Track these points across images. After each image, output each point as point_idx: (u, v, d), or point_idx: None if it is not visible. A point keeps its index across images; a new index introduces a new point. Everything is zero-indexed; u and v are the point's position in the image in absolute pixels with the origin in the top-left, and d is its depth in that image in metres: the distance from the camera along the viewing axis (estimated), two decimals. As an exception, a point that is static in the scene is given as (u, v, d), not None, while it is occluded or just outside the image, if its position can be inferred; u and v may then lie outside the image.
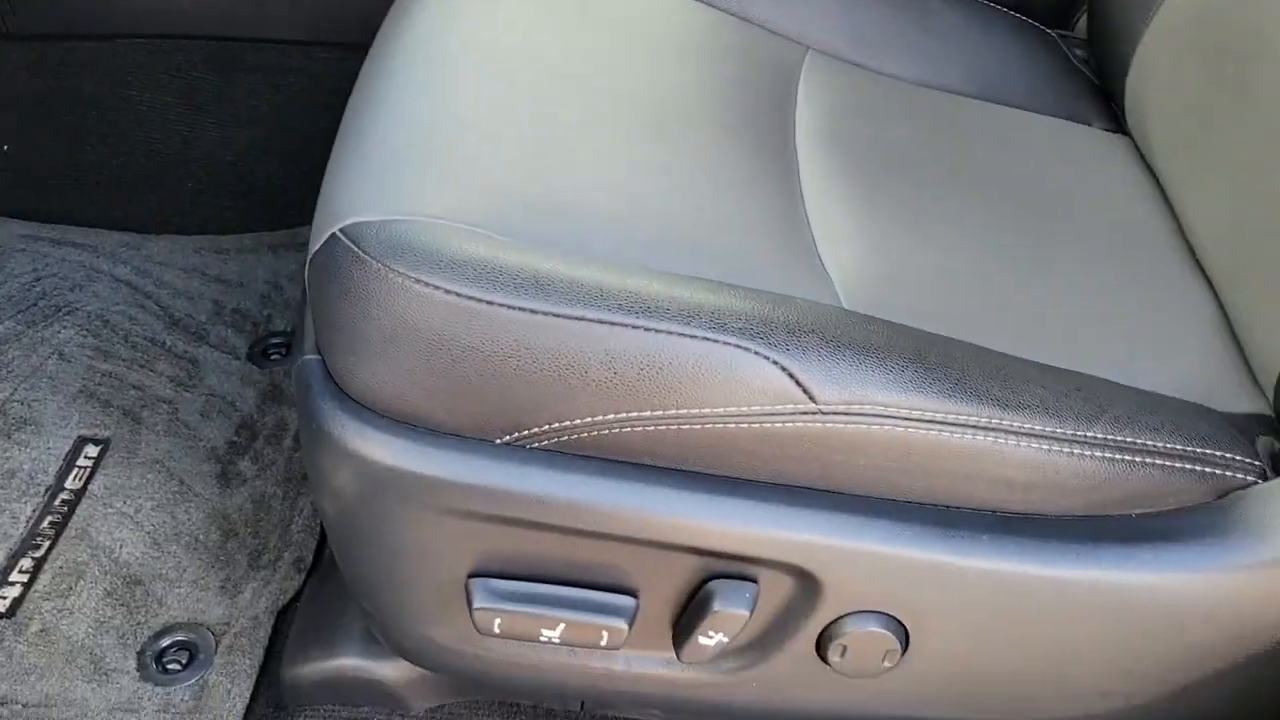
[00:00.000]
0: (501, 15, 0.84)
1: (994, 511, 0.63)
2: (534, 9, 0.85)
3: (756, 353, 0.58)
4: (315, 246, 0.63)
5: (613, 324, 0.58)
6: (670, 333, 0.58)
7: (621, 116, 0.77)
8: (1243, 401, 0.71)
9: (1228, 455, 0.64)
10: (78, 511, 0.93)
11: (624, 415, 0.59)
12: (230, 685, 0.82)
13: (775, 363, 0.58)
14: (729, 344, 0.58)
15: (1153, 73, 0.93)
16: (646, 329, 0.58)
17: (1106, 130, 1.00)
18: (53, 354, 1.06)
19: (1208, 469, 0.64)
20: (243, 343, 1.10)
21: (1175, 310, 0.78)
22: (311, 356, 0.65)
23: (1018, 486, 0.62)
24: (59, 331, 1.08)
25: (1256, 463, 0.65)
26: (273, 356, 1.10)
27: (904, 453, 0.60)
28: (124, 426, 1.00)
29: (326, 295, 0.61)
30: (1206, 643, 0.64)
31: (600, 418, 0.59)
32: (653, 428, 0.59)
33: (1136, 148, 0.98)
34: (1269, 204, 0.74)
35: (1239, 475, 0.64)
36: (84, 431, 0.99)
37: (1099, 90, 1.03)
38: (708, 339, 0.58)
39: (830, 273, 0.71)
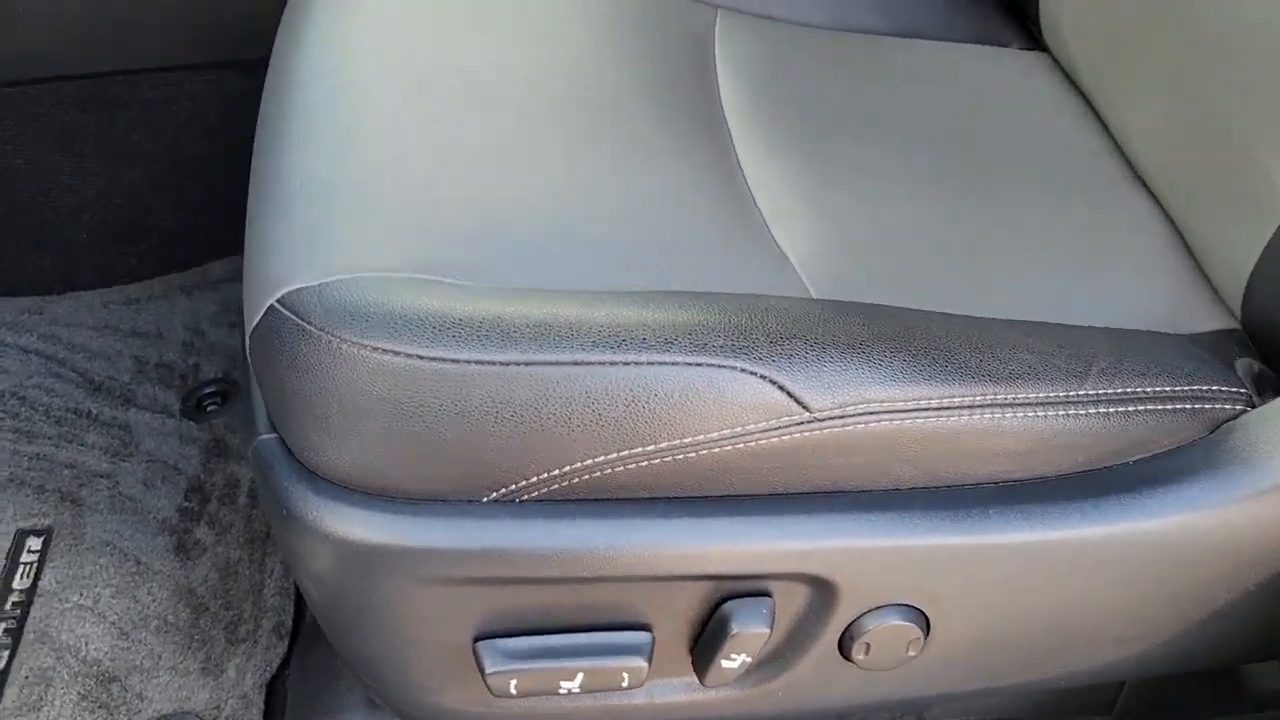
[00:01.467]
0: (398, 23, 0.79)
1: (995, 484, 0.62)
2: (429, 11, 0.81)
3: (743, 369, 0.55)
4: (253, 320, 0.58)
5: (590, 363, 0.55)
6: (651, 363, 0.55)
7: (547, 119, 0.73)
8: (1210, 318, 0.71)
9: (1215, 388, 0.64)
10: (32, 612, 0.87)
11: (614, 455, 0.56)
12: (232, 771, 0.78)
13: (763, 377, 0.56)
14: (713, 365, 0.55)
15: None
16: (626, 363, 0.55)
17: (1025, 49, 0.99)
18: (-30, 445, 0.99)
19: (1198, 405, 0.63)
20: (174, 398, 1.04)
21: (1126, 232, 0.78)
22: (268, 436, 0.61)
23: (1017, 456, 0.61)
24: (-28, 419, 1.01)
25: (1242, 390, 0.65)
26: (208, 408, 1.04)
27: (902, 444, 0.59)
28: (64, 511, 0.94)
29: (275, 373, 0.57)
30: (1214, 577, 0.64)
31: (590, 461, 0.56)
32: (646, 463, 0.57)
33: (1056, 62, 0.97)
34: (1211, 115, 0.74)
35: (1228, 406, 0.64)
36: (22, 524, 0.93)
37: (1011, 8, 1.01)
38: (691, 363, 0.55)
39: (786, 252, 0.69)
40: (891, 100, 0.88)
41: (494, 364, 0.54)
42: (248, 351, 0.60)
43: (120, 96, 1.13)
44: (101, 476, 0.97)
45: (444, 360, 0.54)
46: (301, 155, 0.66)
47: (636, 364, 0.55)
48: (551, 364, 0.54)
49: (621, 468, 0.57)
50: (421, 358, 0.54)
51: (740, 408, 0.56)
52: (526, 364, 0.54)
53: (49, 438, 1.00)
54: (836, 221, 0.72)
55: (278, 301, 0.57)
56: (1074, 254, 0.74)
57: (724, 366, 0.55)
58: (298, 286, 0.58)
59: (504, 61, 0.77)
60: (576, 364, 0.55)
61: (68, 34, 1.08)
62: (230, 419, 1.02)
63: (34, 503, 0.95)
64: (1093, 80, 0.90)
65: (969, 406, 0.59)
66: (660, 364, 0.55)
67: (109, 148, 1.15)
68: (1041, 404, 0.60)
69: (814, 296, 0.65)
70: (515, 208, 0.64)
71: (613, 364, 0.55)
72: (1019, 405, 0.60)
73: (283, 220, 0.62)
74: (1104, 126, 0.88)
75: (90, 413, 1.02)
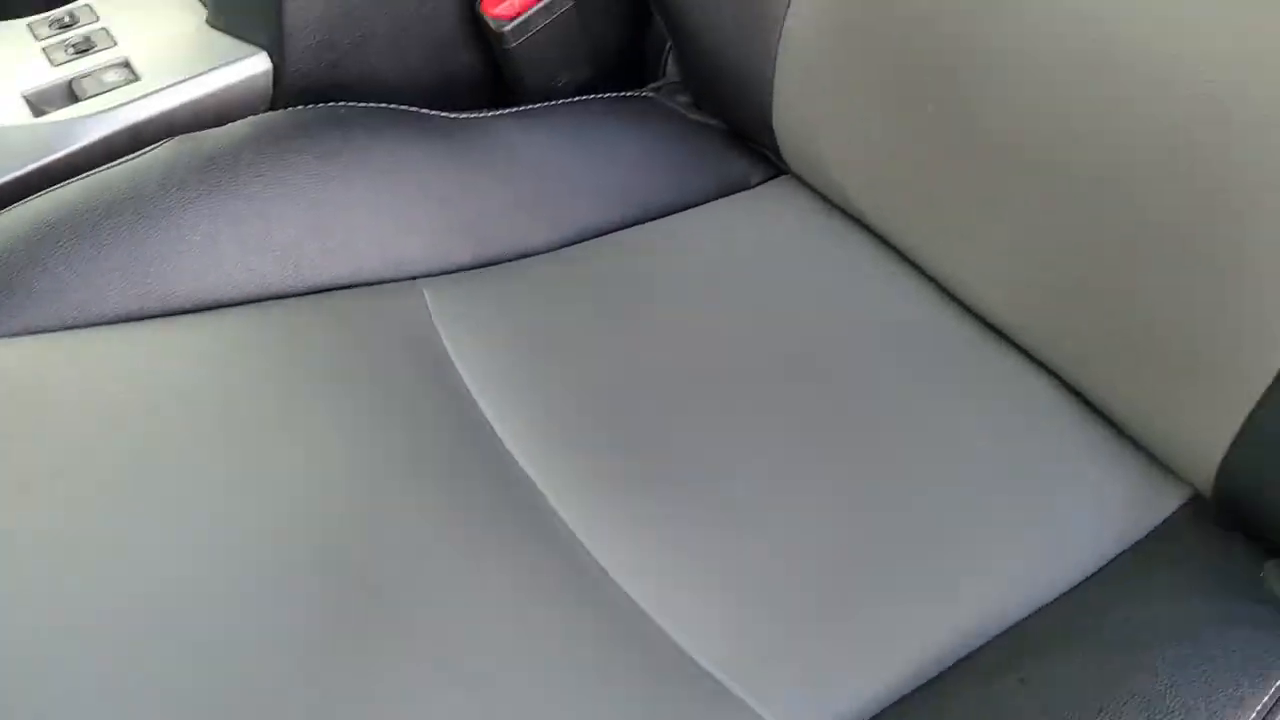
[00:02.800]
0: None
1: None
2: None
3: None
4: None
5: None
6: None
7: (344, 601, 0.48)
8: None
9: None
10: None
11: None
12: None
13: None
14: None
15: (811, 116, 0.71)
16: None
17: (767, 180, 0.78)
18: None
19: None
20: None
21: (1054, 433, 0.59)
22: None
23: None
24: None
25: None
26: None
27: None
28: None
29: None
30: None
31: None
32: None
33: (806, 185, 0.77)
34: (1098, 262, 0.55)
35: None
36: None
37: (728, 133, 0.80)
38: None
39: (681, 644, 0.49)
40: (675, 329, 0.66)
41: None
42: None
43: None
44: None
45: None
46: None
47: None
48: None
49: None
50: None
51: None
52: None
53: None
54: (712, 560, 0.52)
55: None
56: (1027, 489, 0.56)
57: None
58: None
59: (233, 525, 0.51)
60: None
61: None
62: None
63: None
64: (885, 221, 0.70)
65: None
66: None
67: None
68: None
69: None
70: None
71: None
72: None
73: None
74: (915, 268, 0.69)
75: None
